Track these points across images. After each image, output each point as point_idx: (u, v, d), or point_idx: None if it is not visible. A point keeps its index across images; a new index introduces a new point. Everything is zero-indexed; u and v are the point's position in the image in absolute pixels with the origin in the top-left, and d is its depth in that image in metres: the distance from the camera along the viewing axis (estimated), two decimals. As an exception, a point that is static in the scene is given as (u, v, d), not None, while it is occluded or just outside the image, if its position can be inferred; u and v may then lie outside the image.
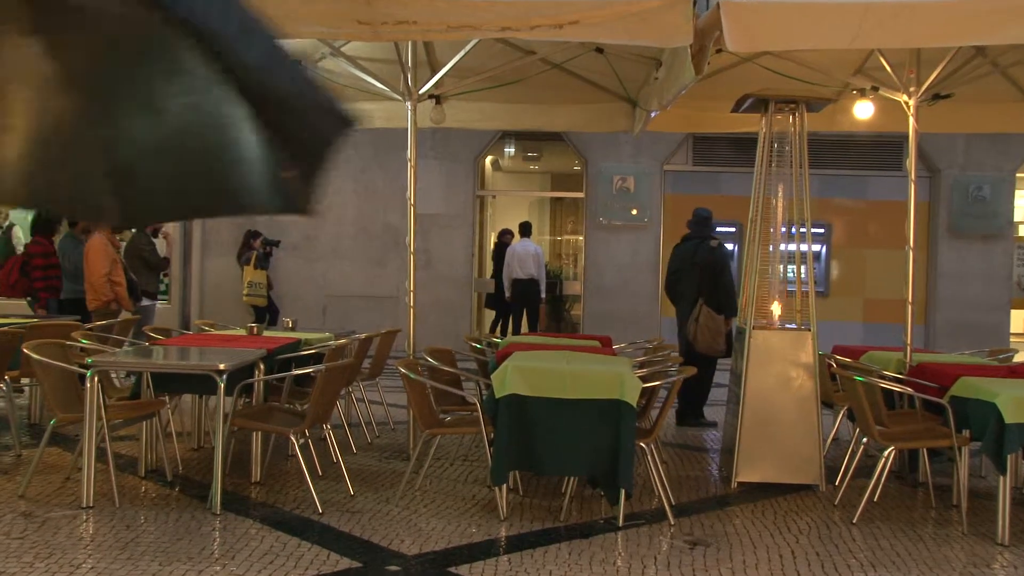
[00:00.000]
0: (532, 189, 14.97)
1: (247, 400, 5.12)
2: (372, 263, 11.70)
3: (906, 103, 5.22)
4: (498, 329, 11.52)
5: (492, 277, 11.44)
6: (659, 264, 11.26)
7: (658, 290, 10.86)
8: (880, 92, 5.44)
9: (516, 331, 10.46)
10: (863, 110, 6.04)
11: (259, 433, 4.68)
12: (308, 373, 4.87)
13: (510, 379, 4.04)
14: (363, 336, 6.02)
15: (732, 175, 11.36)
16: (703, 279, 6.60)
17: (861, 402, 4.41)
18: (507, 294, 10.78)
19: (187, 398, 5.79)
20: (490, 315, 11.95)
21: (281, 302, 11.06)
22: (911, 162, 5.31)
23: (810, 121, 5.14)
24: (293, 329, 6.26)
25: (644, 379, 4.29)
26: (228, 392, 4.24)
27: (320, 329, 6.87)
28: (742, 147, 10.72)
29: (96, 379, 4.04)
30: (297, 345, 5.33)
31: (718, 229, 10.03)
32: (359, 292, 11.67)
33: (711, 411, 6.99)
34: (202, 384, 4.41)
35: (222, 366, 4.10)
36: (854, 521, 4.32)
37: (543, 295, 10.80)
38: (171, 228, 10.78)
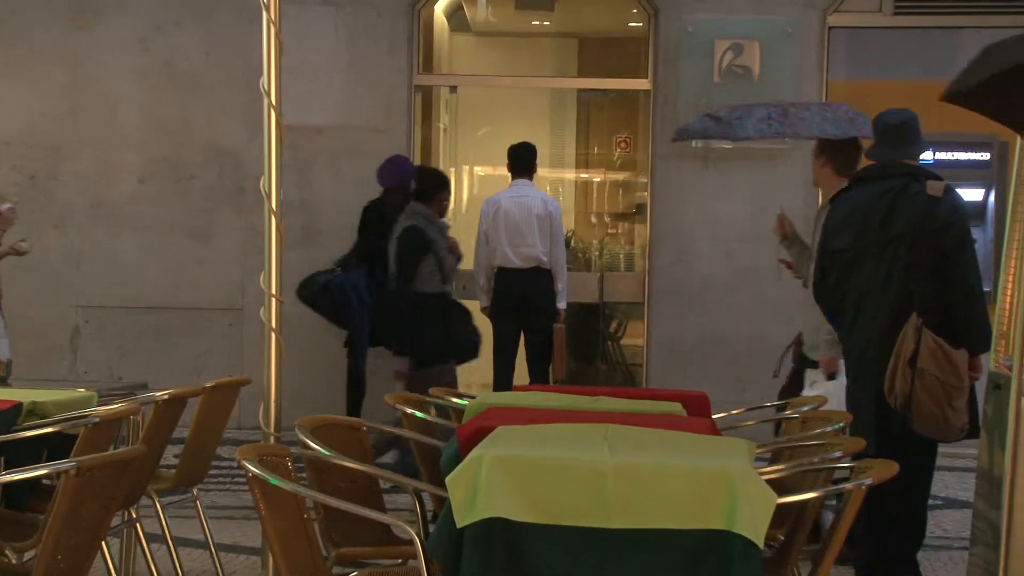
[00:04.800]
0: (537, 73, 14.95)
1: None
2: (184, 234, 11.67)
3: None
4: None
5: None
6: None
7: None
8: None
9: (504, 381, 10.46)
10: None
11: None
12: (38, 479, 4.81)
13: (487, 486, 4.05)
14: (163, 396, 6.06)
15: (978, 34, 11.35)
16: (918, 268, 6.54)
17: None
18: (482, 303, 10.76)
19: None
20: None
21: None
22: None
23: None
24: (5, 381, 6.39)
25: (780, 487, 4.26)
26: None
27: (67, 380, 6.89)
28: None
29: None
30: (13, 416, 5.40)
31: (936, 158, 9.98)
32: (155, 300, 11.61)
33: (934, 559, 6.90)
34: None
35: None
36: None
37: (562, 303, 10.77)
38: None
